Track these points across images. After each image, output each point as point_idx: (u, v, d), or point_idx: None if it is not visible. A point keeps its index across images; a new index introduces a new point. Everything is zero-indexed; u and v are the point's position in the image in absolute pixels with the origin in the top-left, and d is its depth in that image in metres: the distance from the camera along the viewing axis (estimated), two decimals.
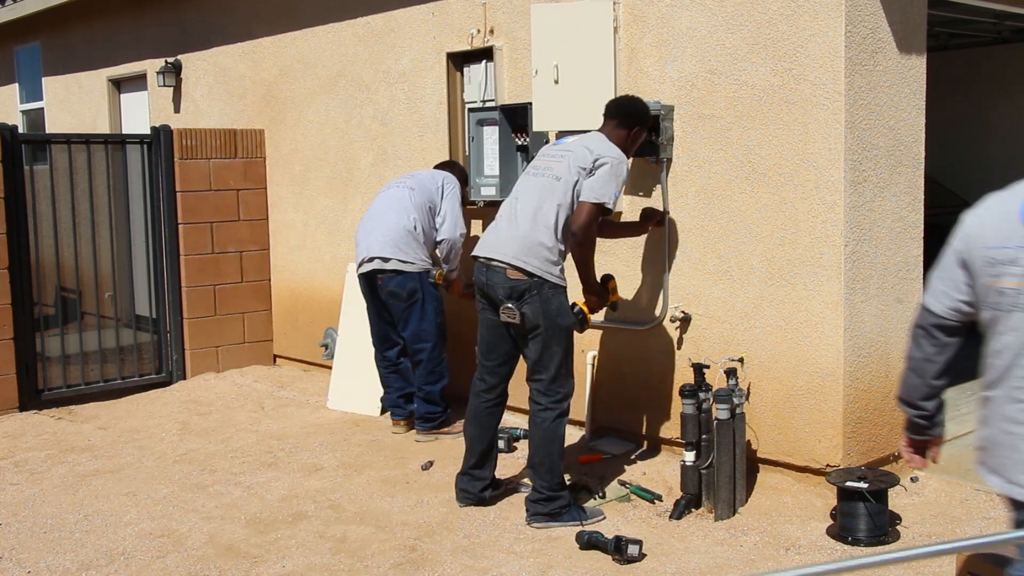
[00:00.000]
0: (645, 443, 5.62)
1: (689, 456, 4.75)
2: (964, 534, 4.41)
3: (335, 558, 4.35)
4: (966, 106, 10.05)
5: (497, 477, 5.00)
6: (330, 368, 7.17)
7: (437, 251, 6.09)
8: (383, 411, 6.62)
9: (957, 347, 2.81)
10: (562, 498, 4.63)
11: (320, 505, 5.00)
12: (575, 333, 4.74)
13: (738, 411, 4.71)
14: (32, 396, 7.05)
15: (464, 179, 6.26)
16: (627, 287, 5.61)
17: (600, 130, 4.81)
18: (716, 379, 4.90)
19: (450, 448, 5.72)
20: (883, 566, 4.07)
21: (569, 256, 4.69)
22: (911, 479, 5.04)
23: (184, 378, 7.74)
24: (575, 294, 5.81)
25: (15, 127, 7.00)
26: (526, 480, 4.95)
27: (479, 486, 4.86)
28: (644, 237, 5.47)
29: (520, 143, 6.06)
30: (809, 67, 4.72)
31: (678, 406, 4.83)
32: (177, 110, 9.11)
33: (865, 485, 4.34)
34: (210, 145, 7.75)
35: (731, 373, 4.81)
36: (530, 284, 4.52)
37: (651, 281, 5.49)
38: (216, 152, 7.79)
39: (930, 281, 2.78)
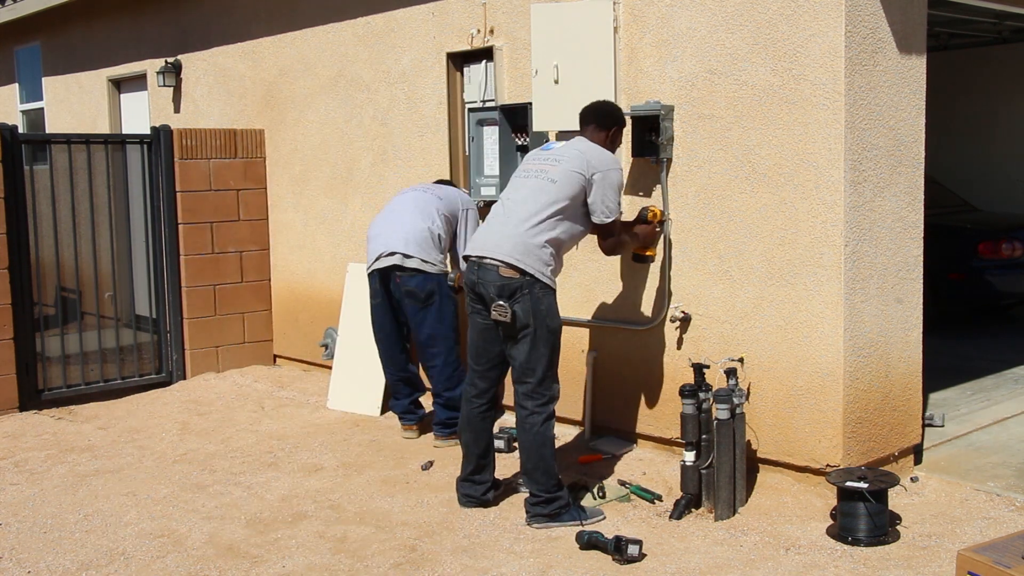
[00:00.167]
0: (645, 443, 5.62)
1: (689, 456, 4.75)
2: (964, 534, 4.40)
3: (335, 558, 4.35)
4: (966, 106, 10.06)
5: (497, 478, 5.00)
6: (330, 368, 7.18)
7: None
8: (383, 411, 6.63)
9: None
10: (561, 498, 4.63)
11: (320, 505, 5.00)
12: (560, 336, 4.73)
13: (738, 411, 4.71)
14: (32, 396, 7.06)
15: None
16: (627, 287, 5.61)
17: (582, 135, 4.86)
18: (716, 379, 4.90)
19: (454, 448, 5.72)
20: (884, 566, 4.08)
21: (565, 258, 4.78)
22: (911, 479, 5.04)
23: (184, 378, 7.74)
24: (575, 294, 5.82)
25: (15, 127, 7.00)
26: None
27: (480, 489, 4.87)
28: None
29: (520, 143, 6.07)
30: (809, 67, 4.72)
31: (678, 406, 4.83)
32: (177, 110, 9.12)
33: (865, 485, 4.34)
34: (210, 145, 7.75)
35: (731, 373, 4.81)
36: (522, 283, 4.54)
37: (651, 281, 5.49)
38: (216, 152, 7.79)
39: None
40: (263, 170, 8.10)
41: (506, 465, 5.34)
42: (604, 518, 4.68)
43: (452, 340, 5.88)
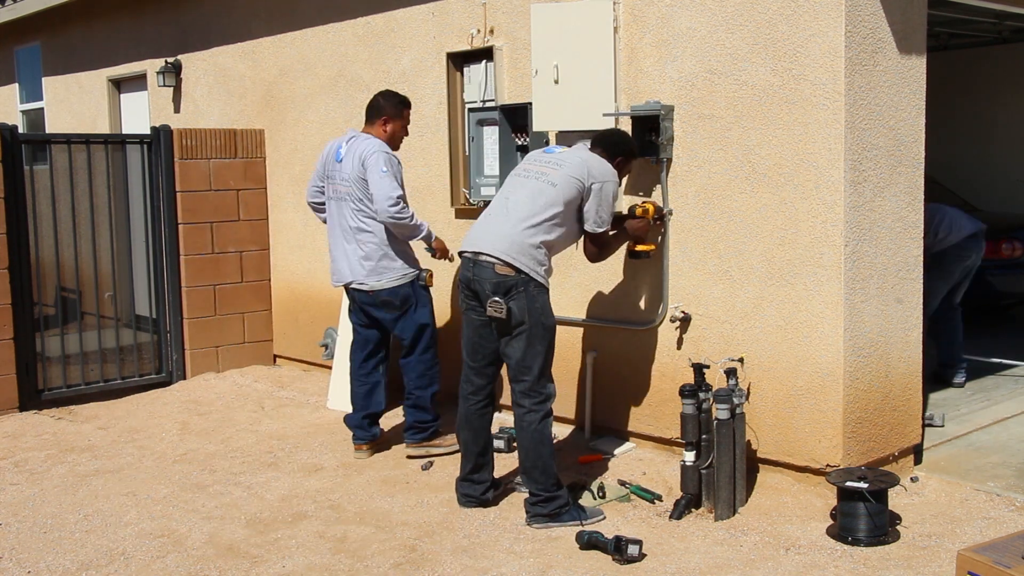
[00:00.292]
0: (645, 443, 5.62)
1: (689, 456, 4.75)
2: (964, 534, 4.40)
3: (335, 558, 4.35)
4: (966, 106, 10.06)
5: (496, 477, 5.00)
6: (330, 368, 7.17)
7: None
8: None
9: None
10: (560, 497, 4.63)
11: (320, 505, 5.00)
12: (554, 334, 4.74)
13: (738, 411, 4.71)
14: (32, 396, 7.05)
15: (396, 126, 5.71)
16: (627, 287, 5.61)
17: (591, 150, 4.91)
18: (716, 379, 4.90)
19: (452, 450, 5.71)
20: (884, 566, 4.08)
21: (565, 258, 4.78)
22: (911, 479, 5.04)
23: (184, 378, 7.74)
24: (575, 294, 5.81)
25: (15, 127, 7.00)
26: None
27: (480, 489, 4.87)
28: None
29: (520, 143, 6.07)
30: (809, 67, 4.72)
31: (678, 406, 4.83)
32: (177, 110, 9.12)
33: (865, 485, 4.34)
34: (210, 145, 7.75)
35: (731, 373, 4.81)
36: (517, 280, 4.57)
37: (651, 281, 5.49)
38: (216, 152, 7.79)
39: None
40: (263, 170, 8.10)
41: (506, 465, 5.34)
42: (604, 518, 4.68)
43: (429, 336, 5.67)
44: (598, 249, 4.93)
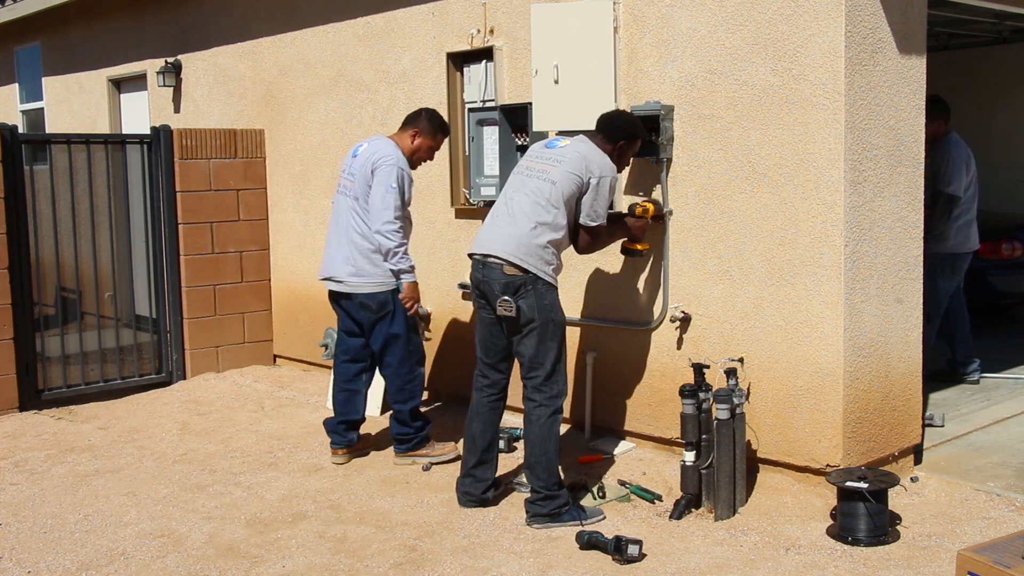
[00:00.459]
0: (645, 443, 5.62)
1: (689, 456, 4.75)
2: (964, 534, 4.40)
3: (335, 558, 4.35)
4: (966, 106, 10.05)
5: (498, 477, 5.00)
6: (330, 368, 7.17)
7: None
8: (383, 411, 6.63)
9: None
10: (560, 497, 4.64)
11: (320, 505, 5.00)
12: (567, 333, 4.78)
13: (738, 411, 4.71)
14: (32, 396, 7.05)
15: (428, 135, 5.57)
16: (627, 287, 5.61)
17: (593, 139, 4.88)
18: (716, 379, 4.90)
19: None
20: (884, 566, 4.08)
21: (564, 259, 4.86)
22: (911, 479, 5.04)
23: (184, 378, 7.75)
24: (575, 294, 5.81)
25: (15, 127, 7.00)
26: (523, 479, 4.95)
27: (481, 487, 4.87)
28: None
29: (520, 143, 6.06)
30: (809, 67, 4.72)
31: (678, 406, 4.83)
32: (177, 110, 9.12)
33: (865, 485, 4.34)
34: (210, 145, 7.75)
35: (731, 373, 4.81)
36: (525, 280, 4.62)
37: (651, 281, 5.49)
38: (216, 152, 7.79)
39: None
40: (263, 170, 8.10)
41: (505, 466, 5.34)
42: (604, 518, 4.68)
43: (402, 349, 5.54)
44: (591, 239, 4.90)
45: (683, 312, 5.30)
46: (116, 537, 4.65)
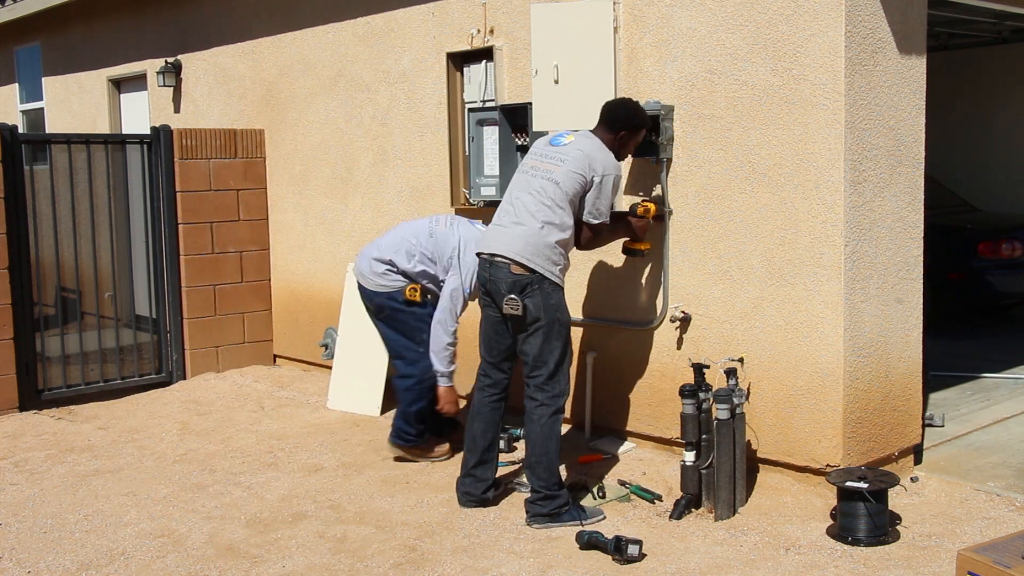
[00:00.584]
0: (645, 443, 5.62)
1: (689, 456, 4.75)
2: (964, 534, 4.40)
3: (335, 558, 4.35)
4: (966, 106, 10.05)
5: (498, 477, 5.00)
6: (330, 368, 7.18)
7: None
8: (383, 411, 6.63)
9: None
10: (560, 497, 4.64)
11: (320, 505, 5.00)
12: (571, 329, 4.78)
13: (738, 411, 4.71)
14: (32, 396, 7.05)
15: None
16: (627, 287, 5.61)
17: (593, 131, 4.87)
18: (716, 379, 4.90)
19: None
20: (884, 566, 4.08)
21: (569, 256, 4.85)
22: (911, 479, 5.04)
23: (184, 378, 7.74)
24: (575, 294, 5.81)
25: (15, 127, 7.00)
26: (523, 479, 4.95)
27: (481, 487, 4.87)
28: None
29: (520, 143, 6.06)
30: (809, 67, 4.72)
31: (678, 406, 4.83)
32: (177, 110, 9.12)
33: (865, 485, 4.34)
34: (210, 145, 7.75)
35: (731, 373, 4.81)
36: (532, 279, 4.63)
37: (651, 281, 5.49)
38: (216, 152, 7.79)
39: None
40: (263, 170, 8.10)
41: (505, 466, 5.34)
42: (604, 518, 4.68)
43: (402, 355, 5.55)
44: (592, 236, 4.91)
45: (683, 312, 5.30)
46: (116, 537, 4.65)
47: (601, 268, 5.71)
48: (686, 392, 4.76)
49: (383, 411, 6.63)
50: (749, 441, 4.96)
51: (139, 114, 9.77)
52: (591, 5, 5.46)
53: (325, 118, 7.52)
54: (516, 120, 6.02)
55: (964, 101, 9.94)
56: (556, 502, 4.62)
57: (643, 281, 5.54)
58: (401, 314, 5.52)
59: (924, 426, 5.45)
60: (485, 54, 6.29)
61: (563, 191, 4.67)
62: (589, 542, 4.30)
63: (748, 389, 5.02)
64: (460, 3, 6.39)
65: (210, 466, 5.67)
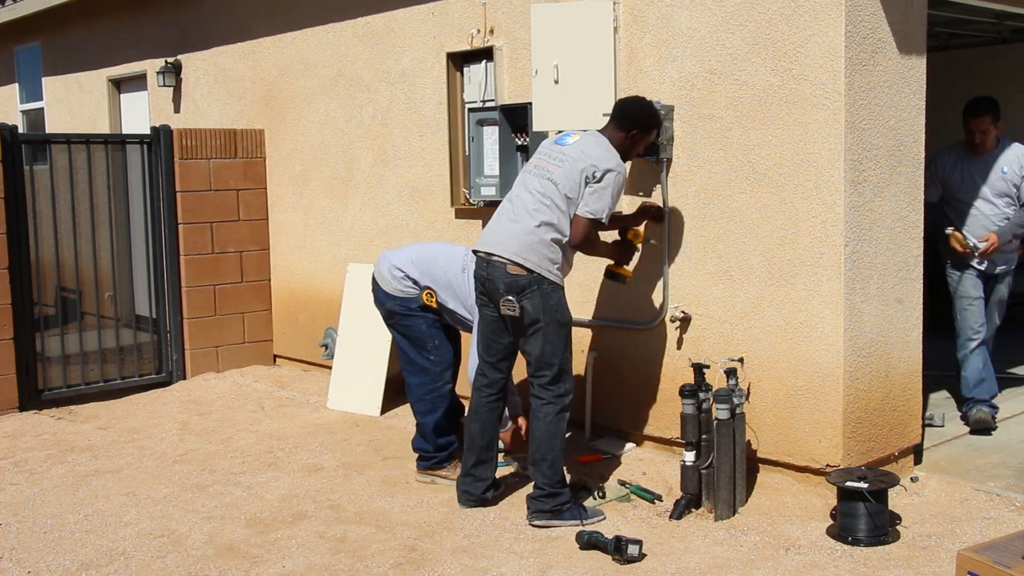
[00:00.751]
0: (645, 443, 5.62)
1: (689, 456, 4.75)
2: (964, 534, 4.40)
3: (335, 558, 4.35)
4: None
5: (496, 478, 5.00)
6: (330, 368, 7.18)
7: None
8: (383, 411, 6.63)
9: None
10: (563, 495, 4.64)
11: (320, 505, 5.00)
12: (572, 330, 4.76)
13: (738, 411, 4.71)
14: (32, 396, 7.05)
15: None
16: (627, 287, 5.61)
17: (602, 130, 4.83)
18: (716, 379, 4.90)
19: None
20: (884, 566, 4.08)
21: (572, 259, 4.83)
22: (911, 479, 5.04)
23: (184, 378, 7.75)
24: (575, 294, 5.81)
25: (15, 127, 7.00)
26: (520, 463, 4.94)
27: (481, 487, 4.87)
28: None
29: (520, 143, 6.07)
30: (809, 67, 4.72)
31: (678, 406, 4.83)
32: (177, 110, 9.12)
33: (865, 485, 4.34)
34: (210, 145, 7.75)
35: (731, 373, 4.81)
36: (530, 279, 4.59)
37: (651, 281, 5.49)
38: (216, 152, 7.79)
39: None
40: (263, 170, 8.10)
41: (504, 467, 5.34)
42: (604, 518, 4.68)
43: (414, 362, 5.33)
44: (582, 234, 4.64)
45: (683, 312, 5.30)
46: (116, 537, 4.65)
47: (601, 268, 5.70)
48: (686, 392, 4.76)
49: (383, 411, 6.63)
50: (749, 441, 4.96)
51: (139, 114, 9.77)
52: (591, 5, 5.46)
53: (325, 118, 7.52)
54: (516, 120, 6.02)
55: (964, 101, 9.94)
56: (559, 499, 4.63)
57: (643, 281, 5.53)
58: (415, 320, 5.29)
59: (924, 426, 5.45)
60: (485, 54, 6.29)
61: (561, 192, 4.62)
62: (589, 542, 4.30)
63: (748, 389, 5.02)
64: (460, 3, 6.39)
65: (210, 466, 5.67)
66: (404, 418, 6.53)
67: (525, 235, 4.60)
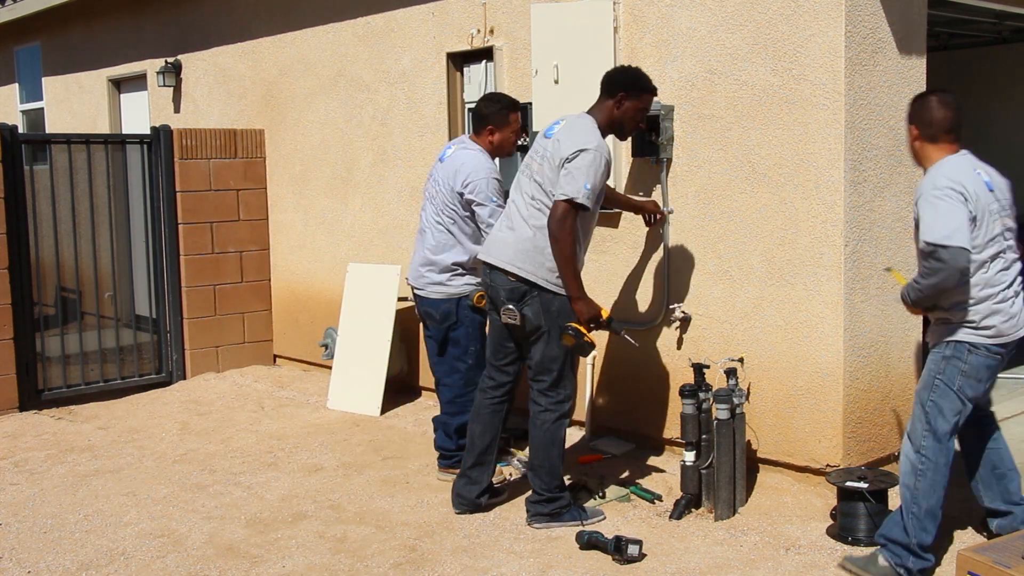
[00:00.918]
0: (645, 443, 5.62)
1: (689, 456, 4.75)
2: (964, 534, 4.40)
3: (335, 558, 4.35)
4: (966, 106, 10.03)
5: (493, 483, 4.95)
6: (330, 368, 7.18)
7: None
8: (383, 411, 6.63)
9: None
10: (562, 499, 4.64)
11: (320, 505, 5.00)
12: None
13: (738, 411, 4.71)
14: (32, 396, 7.06)
15: None
16: (627, 287, 5.61)
17: (591, 108, 4.63)
18: (716, 379, 4.90)
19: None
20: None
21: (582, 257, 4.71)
22: None
23: (184, 378, 7.75)
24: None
25: (15, 127, 7.00)
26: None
27: (475, 491, 4.82)
28: (644, 236, 5.47)
29: (520, 143, 6.05)
30: (809, 67, 4.72)
31: (678, 406, 4.83)
32: (177, 110, 9.12)
33: (865, 485, 4.34)
34: (210, 145, 7.75)
35: (731, 373, 4.80)
36: (529, 288, 4.51)
37: (651, 281, 5.49)
38: (216, 152, 7.79)
39: None
40: (263, 170, 8.10)
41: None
42: (604, 518, 4.68)
43: (452, 365, 5.24)
44: (557, 220, 4.34)
45: (683, 312, 5.30)
46: (116, 537, 4.65)
47: (602, 268, 5.71)
48: (686, 392, 4.76)
49: (383, 411, 6.63)
50: (749, 441, 4.96)
51: (139, 114, 9.77)
52: (591, 5, 5.46)
53: (325, 118, 7.52)
54: None
55: (964, 101, 9.95)
56: (557, 503, 4.62)
57: (643, 281, 5.54)
58: (465, 321, 5.16)
59: None
60: (485, 54, 6.29)
61: (546, 190, 4.46)
62: (589, 542, 4.30)
63: (748, 389, 5.02)
64: (460, 3, 6.39)
65: (210, 466, 5.67)
66: (404, 418, 6.53)
67: (519, 243, 4.51)
